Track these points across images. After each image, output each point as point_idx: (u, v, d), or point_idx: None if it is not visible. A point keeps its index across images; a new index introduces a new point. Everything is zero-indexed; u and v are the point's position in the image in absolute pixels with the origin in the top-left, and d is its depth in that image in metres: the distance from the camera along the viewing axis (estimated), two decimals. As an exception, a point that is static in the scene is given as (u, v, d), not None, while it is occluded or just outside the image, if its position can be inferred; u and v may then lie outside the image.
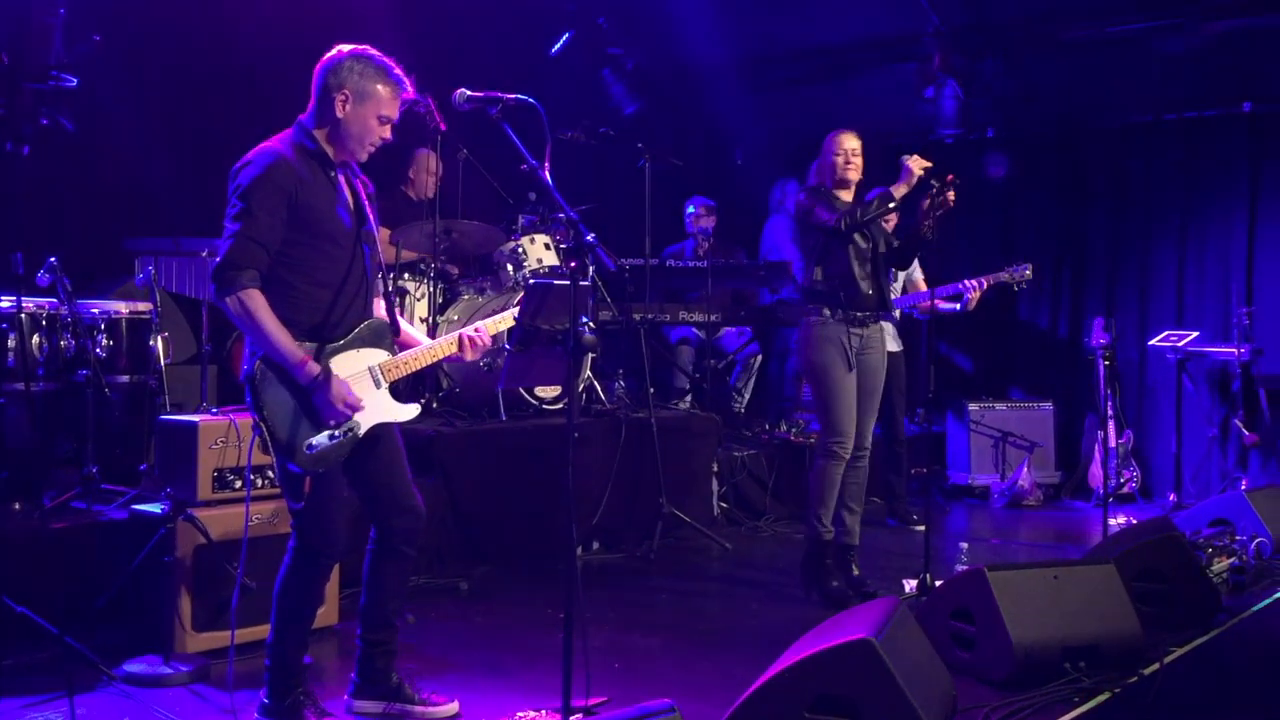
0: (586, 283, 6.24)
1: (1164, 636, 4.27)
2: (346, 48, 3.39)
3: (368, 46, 3.41)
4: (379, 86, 3.37)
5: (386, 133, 3.43)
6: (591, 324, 6.47)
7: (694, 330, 7.88)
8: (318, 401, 3.27)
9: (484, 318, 3.81)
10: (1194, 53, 7.87)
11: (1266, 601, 4.95)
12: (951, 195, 5.10)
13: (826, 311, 5.11)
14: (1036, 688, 3.75)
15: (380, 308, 3.54)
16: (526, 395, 6.10)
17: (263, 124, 3.57)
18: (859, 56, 8.83)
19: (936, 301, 6.54)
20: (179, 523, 4.02)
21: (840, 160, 5.23)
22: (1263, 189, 8.20)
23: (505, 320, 3.84)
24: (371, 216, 3.48)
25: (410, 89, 3.45)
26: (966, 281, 6.49)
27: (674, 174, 6.99)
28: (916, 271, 7.03)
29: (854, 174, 5.26)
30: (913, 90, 8.53)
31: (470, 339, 3.59)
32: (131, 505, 4.35)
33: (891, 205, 5.12)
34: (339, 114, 3.34)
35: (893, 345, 6.91)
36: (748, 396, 8.07)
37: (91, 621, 4.07)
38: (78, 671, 3.77)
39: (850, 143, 5.25)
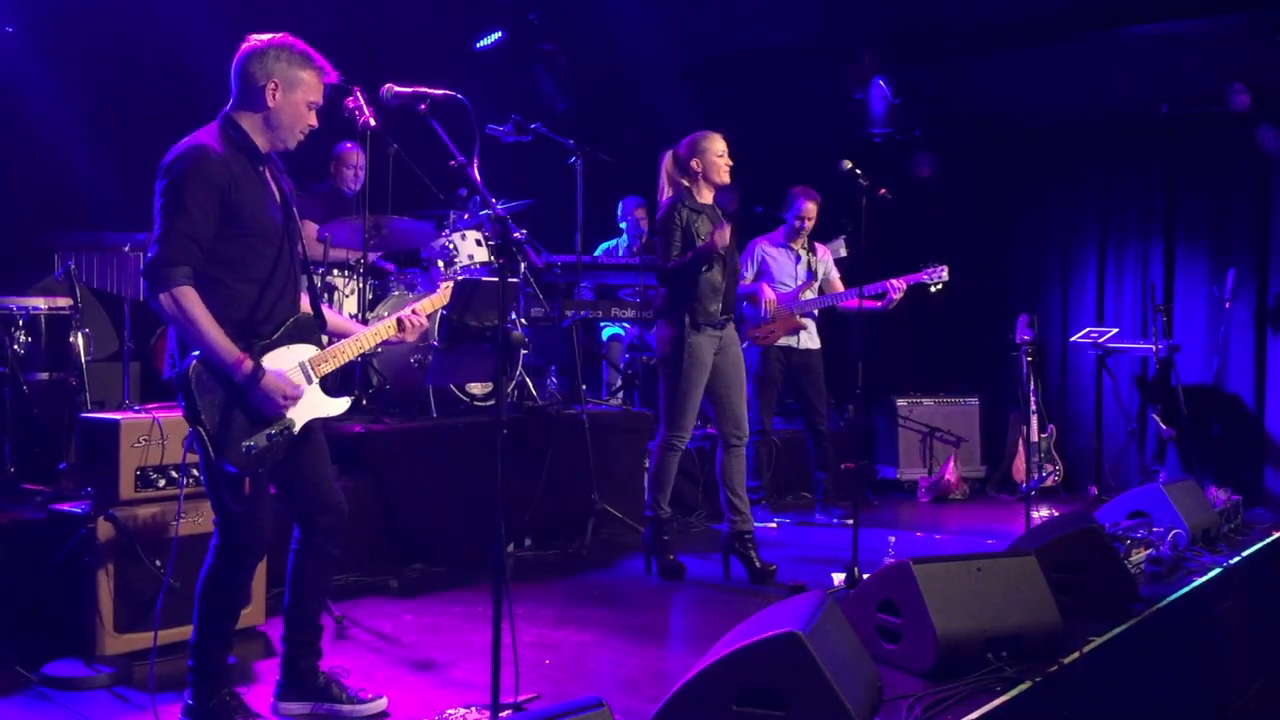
0: (515, 279, 6.25)
1: (1083, 626, 4.36)
2: (265, 36, 3.36)
3: (285, 34, 3.39)
4: (305, 73, 3.35)
5: (314, 119, 3.42)
6: (523, 320, 6.51)
7: (626, 326, 7.90)
8: (256, 398, 3.23)
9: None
10: (1112, 56, 8.06)
11: (1182, 592, 5.07)
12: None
13: (686, 318, 5.39)
14: (960, 678, 3.81)
15: (306, 303, 3.51)
16: (457, 392, 6.08)
17: (187, 117, 3.52)
18: (791, 57, 8.90)
19: (860, 300, 6.63)
20: (100, 522, 3.95)
21: (722, 161, 5.45)
22: (1179, 189, 8.42)
23: (439, 299, 3.82)
24: (295, 213, 3.46)
25: (333, 73, 3.44)
26: (892, 281, 6.60)
27: (606, 170, 6.99)
28: (833, 272, 7.13)
29: (728, 175, 5.50)
30: (843, 91, 8.63)
31: (409, 319, 3.60)
32: (50, 505, 4.26)
33: (704, 267, 5.36)
34: (270, 103, 3.32)
35: (811, 344, 7.01)
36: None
37: (9, 623, 3.98)
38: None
39: (723, 145, 5.48)
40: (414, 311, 3.63)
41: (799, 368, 6.99)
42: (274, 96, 3.31)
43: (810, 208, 6.94)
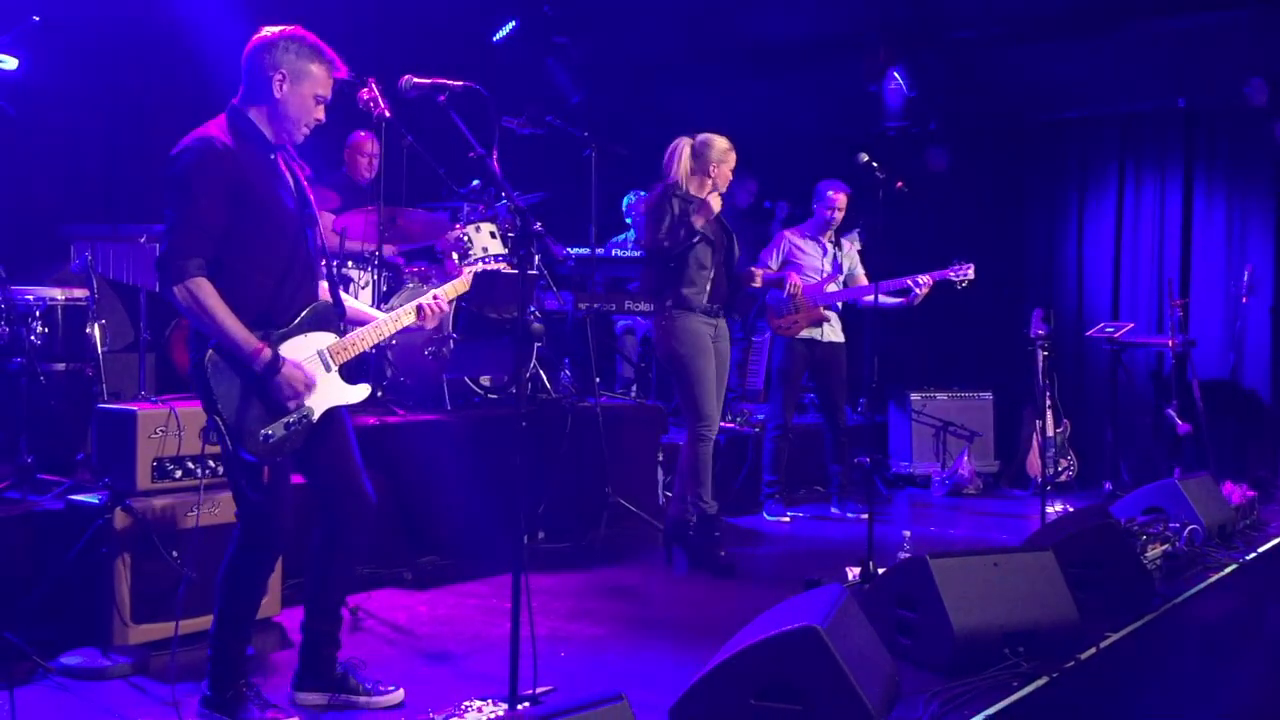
0: (534, 272, 6.24)
1: (1100, 622, 4.35)
2: (275, 29, 3.36)
3: (298, 27, 3.38)
4: (313, 66, 3.34)
5: (321, 113, 3.40)
6: (538, 313, 6.51)
7: (639, 319, 7.89)
8: (274, 386, 3.23)
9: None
10: (1130, 49, 8.02)
11: (1198, 587, 5.06)
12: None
13: (676, 305, 5.48)
14: (977, 673, 3.81)
15: (324, 290, 3.51)
16: (471, 384, 6.07)
17: (203, 108, 3.51)
18: (807, 49, 8.87)
19: (882, 296, 6.61)
20: (117, 513, 3.96)
21: (726, 170, 5.60)
22: (1197, 183, 8.37)
23: (460, 285, 3.82)
24: (311, 199, 3.45)
25: (343, 68, 3.42)
26: (917, 278, 6.57)
27: (620, 163, 6.99)
28: (858, 267, 7.11)
29: (725, 188, 5.68)
30: (858, 83, 8.60)
31: (429, 306, 3.59)
32: (68, 495, 4.27)
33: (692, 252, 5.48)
34: (276, 95, 3.30)
35: (835, 337, 6.99)
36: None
37: (27, 614, 3.99)
38: (12, 664, 3.70)
39: (734, 158, 5.62)
40: (435, 298, 3.62)
41: (822, 361, 6.96)
42: (280, 88, 3.30)
43: (841, 199, 6.92)
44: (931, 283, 6.61)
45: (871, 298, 6.47)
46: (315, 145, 3.54)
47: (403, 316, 3.58)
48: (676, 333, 5.50)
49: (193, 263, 3.16)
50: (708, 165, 5.57)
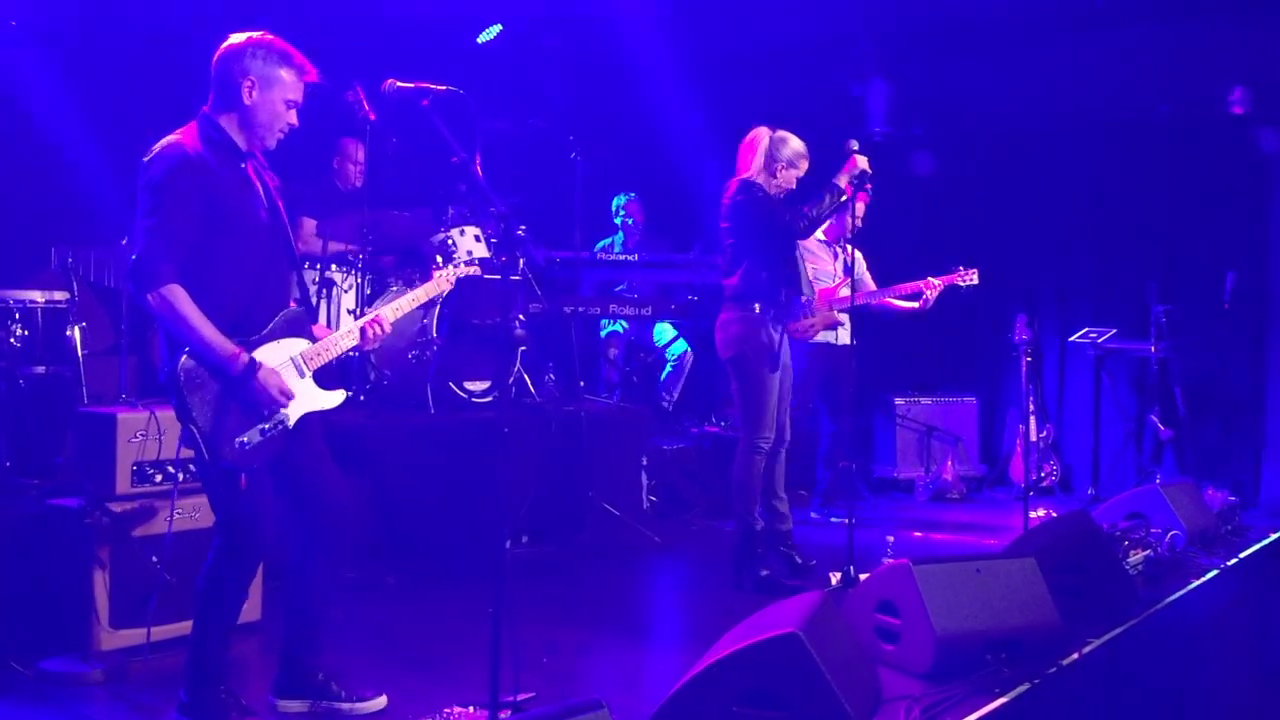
0: (517, 276, 6.23)
1: (1082, 628, 4.35)
2: (243, 36, 3.35)
3: (265, 32, 3.37)
4: (283, 71, 3.33)
5: (293, 118, 3.40)
6: (522, 317, 6.49)
7: (625, 324, 7.88)
8: (250, 391, 3.22)
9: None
10: (1114, 56, 8.04)
11: (1180, 593, 5.06)
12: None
13: (758, 309, 5.21)
14: (959, 679, 3.80)
15: (295, 297, 3.50)
16: (455, 388, 6.06)
17: (186, 109, 3.50)
18: (792, 53, 8.88)
19: (895, 301, 6.64)
20: (96, 517, 3.93)
21: (793, 175, 5.29)
22: (1179, 190, 8.39)
23: (404, 305, 3.75)
24: (282, 208, 3.44)
25: (312, 72, 3.42)
26: (928, 280, 6.60)
27: (605, 167, 6.98)
28: (865, 271, 7.10)
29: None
30: (844, 88, 8.61)
31: (370, 328, 3.54)
32: (47, 499, 4.24)
33: (843, 199, 5.25)
34: (246, 101, 3.30)
35: (847, 340, 6.95)
36: (676, 396, 8.08)
37: (4, 619, 3.96)
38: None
39: (805, 165, 5.32)
40: (376, 319, 3.57)
41: (835, 365, 6.89)
42: (250, 95, 3.30)
43: (860, 207, 6.91)
44: (942, 286, 6.65)
45: (886, 302, 6.60)
46: (301, 150, 3.52)
47: (344, 340, 3.54)
48: (748, 337, 5.24)
49: (165, 269, 3.15)
50: (775, 166, 5.28)
